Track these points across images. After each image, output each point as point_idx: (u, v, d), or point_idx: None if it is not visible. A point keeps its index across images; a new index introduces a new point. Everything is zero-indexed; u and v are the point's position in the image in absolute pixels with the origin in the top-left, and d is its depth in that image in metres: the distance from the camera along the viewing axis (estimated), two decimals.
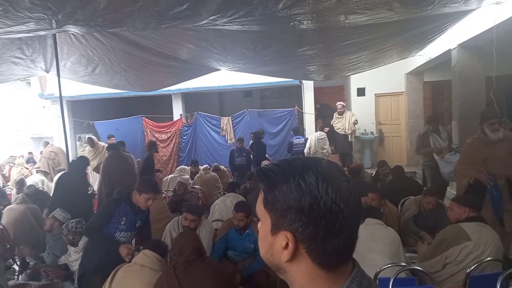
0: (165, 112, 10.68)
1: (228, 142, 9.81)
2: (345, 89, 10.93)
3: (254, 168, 7.86)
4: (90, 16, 2.03)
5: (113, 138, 8.71)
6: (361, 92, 9.77)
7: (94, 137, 8.99)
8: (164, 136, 10.14)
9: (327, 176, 0.71)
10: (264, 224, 0.76)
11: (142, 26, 2.64)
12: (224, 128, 9.85)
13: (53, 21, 2.01)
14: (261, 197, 0.75)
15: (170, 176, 7.01)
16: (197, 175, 6.94)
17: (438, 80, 9.15)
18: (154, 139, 9.54)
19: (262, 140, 8.41)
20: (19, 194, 5.38)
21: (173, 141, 10.14)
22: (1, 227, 4.63)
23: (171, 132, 10.21)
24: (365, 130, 9.61)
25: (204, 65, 6.27)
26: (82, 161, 5.85)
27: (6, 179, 9.14)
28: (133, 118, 10.39)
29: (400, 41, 5.27)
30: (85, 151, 9.04)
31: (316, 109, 10.08)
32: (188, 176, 6.97)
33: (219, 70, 6.69)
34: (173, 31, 4.14)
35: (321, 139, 8.29)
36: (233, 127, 9.81)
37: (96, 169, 8.04)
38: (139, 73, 6.56)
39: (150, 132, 10.21)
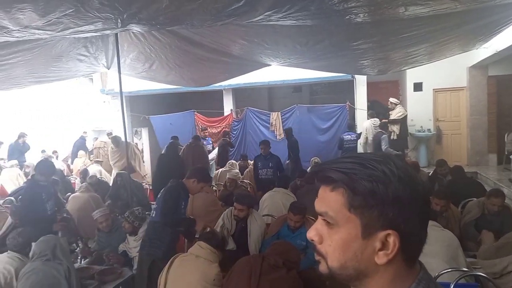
0: (216, 107, 10.91)
1: (277, 137, 9.81)
2: (400, 83, 10.49)
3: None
4: (152, 15, 2.11)
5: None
6: (418, 87, 9.31)
7: (118, 136, 8.14)
8: (214, 131, 10.37)
9: (408, 167, 0.68)
10: (345, 229, 0.69)
11: (199, 24, 2.71)
12: (273, 123, 9.86)
13: (119, 21, 2.12)
14: (340, 200, 0.69)
15: (220, 170, 7.16)
16: (247, 169, 7.02)
17: (505, 74, 8.48)
18: (204, 133, 9.77)
19: (292, 136, 8.39)
20: (83, 184, 5.77)
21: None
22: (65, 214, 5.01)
23: (221, 127, 10.41)
24: (421, 127, 9.16)
25: (255, 60, 6.31)
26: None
27: (71, 169, 9.85)
28: (186, 112, 10.73)
29: (463, 33, 4.94)
30: (108, 151, 8.60)
31: (368, 104, 9.77)
32: (237, 171, 7.07)
33: (270, 65, 6.70)
34: (226, 27, 4.20)
35: (377, 126, 7.97)
36: (282, 122, 9.79)
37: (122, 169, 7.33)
38: (193, 69, 6.75)
39: (201, 126, 10.50)
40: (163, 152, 7.31)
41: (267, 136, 9.71)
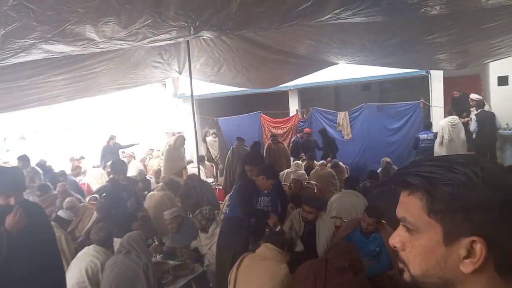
0: (282, 108, 10.94)
1: (345, 137, 9.56)
2: (481, 78, 9.61)
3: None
4: (223, 20, 2.18)
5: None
6: (503, 81, 8.45)
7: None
8: (280, 131, 10.40)
9: (496, 169, 0.63)
10: (426, 235, 0.67)
11: (267, 26, 2.73)
12: (341, 123, 9.62)
13: (192, 28, 2.22)
14: (418, 205, 0.67)
15: (286, 170, 7.16)
16: (313, 170, 6.93)
17: None
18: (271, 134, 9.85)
19: (328, 136, 8.45)
20: (159, 184, 6.13)
21: (289, 136, 10.33)
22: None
23: (287, 128, 10.41)
24: (507, 124, 8.31)
25: (322, 59, 6.21)
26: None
27: (147, 169, 10.53)
28: (252, 114, 10.91)
29: None
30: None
31: (451, 99, 9.02)
32: (303, 171, 7.01)
33: (337, 64, 6.55)
34: (292, 28, 4.18)
35: (454, 124, 7.38)
36: (350, 122, 9.51)
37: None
38: (259, 71, 6.84)
39: (267, 127, 10.59)
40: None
41: (334, 136, 9.50)
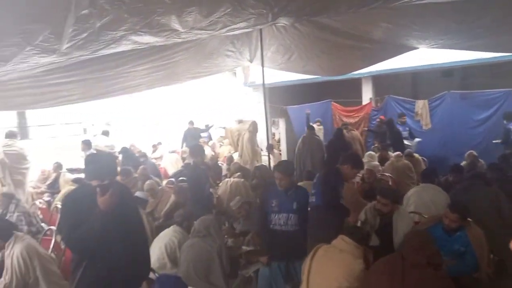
0: (354, 96, 10.54)
1: (423, 127, 8.94)
2: None
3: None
4: (301, 6, 2.13)
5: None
6: None
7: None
8: (352, 121, 10.06)
9: None
10: None
11: (345, 11, 2.62)
12: (419, 112, 9.00)
13: (270, 15, 2.20)
14: None
15: None
16: (388, 162, 6.61)
17: None
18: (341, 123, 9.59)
19: (394, 127, 7.94)
20: (231, 170, 6.29)
21: (361, 125, 9.95)
22: (217, 195, 5.56)
23: (360, 117, 10.03)
24: None
25: (400, 44, 5.84)
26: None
27: (217, 155, 10.89)
28: (322, 102, 10.68)
29: None
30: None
31: None
32: (377, 163, 6.72)
33: (417, 48, 6.10)
34: (368, 11, 3.98)
35: None
36: (429, 111, 8.86)
37: None
38: (331, 57, 6.65)
39: (338, 116, 10.30)
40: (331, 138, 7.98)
41: (411, 126, 8.94)
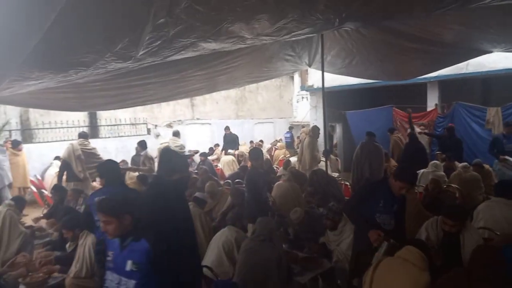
0: (418, 102, 10.01)
1: None
2: None
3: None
4: (372, 11, 2.07)
5: None
6: None
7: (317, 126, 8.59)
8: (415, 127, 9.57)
9: None
10: None
11: (417, 15, 2.50)
12: (491, 120, 8.34)
13: (337, 20, 2.17)
14: None
15: (422, 170, 6.56)
16: (455, 172, 6.19)
17: None
18: (404, 130, 9.17)
19: (455, 135, 7.50)
20: (285, 173, 6.28)
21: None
22: (272, 199, 5.57)
23: (423, 124, 9.51)
24: None
25: (472, 47, 5.45)
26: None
27: (273, 159, 10.94)
28: (383, 108, 10.29)
29: None
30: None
31: None
32: (443, 173, 6.33)
33: (490, 52, 5.67)
34: (441, 12, 3.76)
35: None
36: (502, 120, 8.17)
37: None
38: (396, 62, 6.38)
39: (399, 123, 9.86)
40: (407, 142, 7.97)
41: (480, 135, 8.32)
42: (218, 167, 9.20)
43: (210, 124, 14.14)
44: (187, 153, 8.60)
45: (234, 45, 2.58)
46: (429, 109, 9.69)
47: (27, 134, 10.86)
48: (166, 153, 2.97)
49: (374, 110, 10.45)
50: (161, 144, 8.72)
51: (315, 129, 7.94)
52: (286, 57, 6.46)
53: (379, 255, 2.96)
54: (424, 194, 5.54)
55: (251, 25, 2.06)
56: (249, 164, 7.80)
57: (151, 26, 1.78)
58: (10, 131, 9.64)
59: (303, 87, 12.05)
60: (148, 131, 12.73)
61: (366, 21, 2.41)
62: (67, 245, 4.35)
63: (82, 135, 7.63)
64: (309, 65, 7.38)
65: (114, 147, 10.65)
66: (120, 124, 12.41)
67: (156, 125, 13.08)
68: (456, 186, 5.75)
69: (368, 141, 7.01)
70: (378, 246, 3.04)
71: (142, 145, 7.98)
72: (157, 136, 12.37)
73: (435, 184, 5.31)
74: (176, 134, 9.18)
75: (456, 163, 6.82)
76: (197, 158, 9.99)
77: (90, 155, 7.32)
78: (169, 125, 13.24)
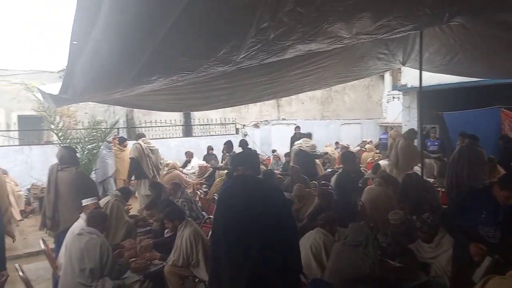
0: None
1: None
2: None
3: None
4: (487, 2, 1.87)
5: None
6: None
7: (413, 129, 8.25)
8: None
9: None
10: None
11: None
12: None
13: (446, 15, 2.01)
14: None
15: None
16: None
17: None
18: None
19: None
20: (377, 178, 6.01)
21: None
22: (361, 203, 5.38)
23: None
24: None
25: None
26: None
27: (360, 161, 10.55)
28: (488, 109, 9.26)
29: None
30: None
31: None
32: None
33: None
34: None
35: None
36: None
37: None
38: (506, 57, 5.70)
39: (508, 125, 8.78)
40: None
41: None
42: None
43: (295, 124, 14.17)
44: (318, 154, 8.70)
45: (330, 46, 2.55)
46: None
47: (132, 131, 12.07)
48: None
49: (477, 111, 9.45)
50: (295, 145, 8.95)
51: (411, 131, 7.45)
52: (379, 56, 6.19)
53: (481, 271, 2.69)
54: None
55: (351, 24, 2.01)
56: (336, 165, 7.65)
57: (254, 31, 1.84)
58: (118, 129, 10.78)
59: (395, 87, 11.42)
60: (237, 130, 13.24)
61: (480, 14, 2.19)
62: (165, 232, 4.75)
63: (141, 135, 8.07)
64: (403, 64, 6.97)
65: (205, 145, 11.28)
66: (211, 124, 13.11)
67: (244, 125, 13.54)
68: None
69: (469, 144, 6.39)
70: (480, 261, 2.77)
71: (229, 144, 8.29)
72: (245, 135, 12.79)
73: None
74: (308, 135, 9.38)
75: None
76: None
77: (155, 153, 7.76)
78: (256, 125, 13.60)
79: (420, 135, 5.81)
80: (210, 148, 10.70)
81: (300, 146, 8.34)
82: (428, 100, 11.00)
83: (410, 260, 3.70)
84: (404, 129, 10.53)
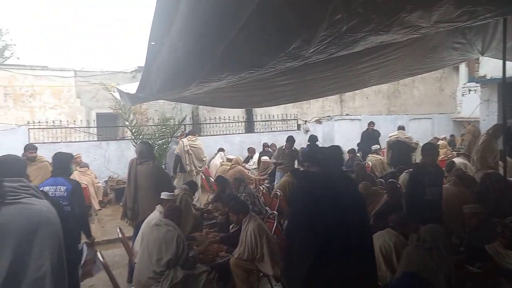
0: None
1: None
2: None
3: None
4: None
5: None
6: None
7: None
8: None
9: None
10: None
11: None
12: None
13: None
14: None
15: None
16: None
17: None
18: None
19: None
20: (452, 177, 5.62)
21: None
22: None
23: None
24: None
25: None
26: None
27: None
28: None
29: None
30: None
31: None
32: None
33: None
34: None
35: None
36: None
37: None
38: None
39: None
40: None
41: None
42: (368, 165, 8.88)
43: (360, 120, 13.73)
44: (413, 144, 8.66)
45: (405, 36, 2.41)
46: None
47: (197, 128, 12.54)
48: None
49: None
50: (390, 136, 8.97)
51: (496, 127, 6.82)
52: (455, 45, 5.75)
53: None
54: None
55: (431, 12, 1.88)
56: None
57: (326, 23, 1.80)
58: (185, 125, 11.27)
59: (472, 79, 10.56)
60: (298, 126, 13.15)
61: None
62: (231, 227, 4.87)
63: (191, 132, 8.72)
64: (482, 53, 6.41)
65: (267, 141, 11.37)
66: (273, 120, 13.17)
67: (305, 121, 13.41)
68: None
69: None
70: None
71: (290, 141, 8.30)
72: (306, 131, 12.67)
73: None
74: (401, 127, 9.36)
75: None
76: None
77: (198, 151, 8.20)
78: (318, 121, 13.40)
79: (504, 131, 5.30)
80: (265, 145, 10.80)
81: (398, 137, 8.21)
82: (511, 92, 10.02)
83: (490, 266, 3.42)
84: (482, 124, 9.72)
